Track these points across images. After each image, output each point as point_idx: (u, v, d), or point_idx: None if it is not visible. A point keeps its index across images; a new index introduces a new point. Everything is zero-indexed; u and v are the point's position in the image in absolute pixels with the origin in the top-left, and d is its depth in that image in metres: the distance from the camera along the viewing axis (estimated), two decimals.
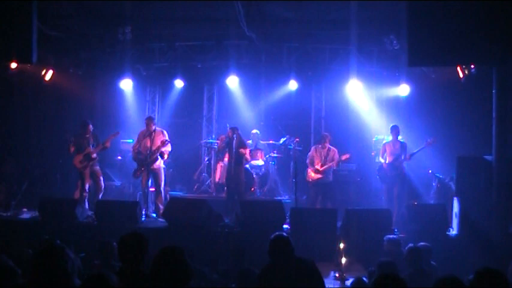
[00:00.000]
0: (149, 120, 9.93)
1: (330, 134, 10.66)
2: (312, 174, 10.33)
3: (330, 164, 10.24)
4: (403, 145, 10.00)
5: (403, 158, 9.84)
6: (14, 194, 10.32)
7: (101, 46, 10.78)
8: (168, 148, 9.85)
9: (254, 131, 12.02)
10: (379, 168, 10.25)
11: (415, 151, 9.82)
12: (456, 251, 7.61)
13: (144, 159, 9.71)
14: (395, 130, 10.05)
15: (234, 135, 10.20)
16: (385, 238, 6.89)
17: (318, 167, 10.24)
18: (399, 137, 10.10)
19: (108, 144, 9.85)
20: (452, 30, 7.36)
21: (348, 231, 8.09)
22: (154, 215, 9.73)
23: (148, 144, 9.71)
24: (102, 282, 3.30)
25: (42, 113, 11.22)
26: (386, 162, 9.96)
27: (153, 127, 9.86)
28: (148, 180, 9.86)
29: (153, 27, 10.45)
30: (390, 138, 10.16)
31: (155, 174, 9.87)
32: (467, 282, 3.65)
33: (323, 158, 10.27)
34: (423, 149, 9.73)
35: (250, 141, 11.62)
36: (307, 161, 10.47)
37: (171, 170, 11.42)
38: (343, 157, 10.20)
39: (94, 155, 9.81)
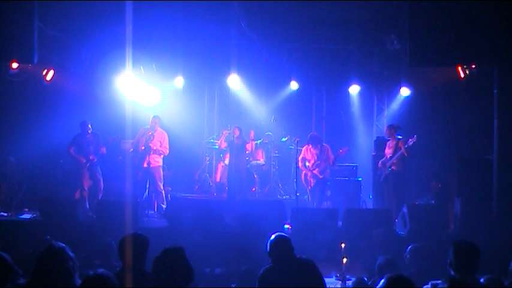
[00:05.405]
0: (154, 120, 9.93)
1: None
2: (309, 177, 9.95)
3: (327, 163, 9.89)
4: (397, 144, 10.01)
5: (396, 156, 9.84)
6: (14, 194, 10.31)
7: (101, 46, 10.76)
8: (159, 148, 9.81)
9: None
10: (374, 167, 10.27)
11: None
12: None
13: (140, 157, 9.73)
14: (390, 130, 10.07)
15: (236, 135, 10.21)
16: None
17: (312, 168, 9.86)
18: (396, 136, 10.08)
19: (104, 150, 9.82)
20: (452, 30, 7.38)
21: (348, 231, 8.10)
22: (151, 215, 9.74)
23: (143, 143, 9.72)
24: (101, 282, 3.30)
25: (42, 113, 11.20)
26: (381, 161, 9.99)
27: (156, 127, 9.87)
28: (144, 179, 9.85)
29: (154, 26, 10.44)
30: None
31: (152, 173, 9.85)
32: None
33: (317, 157, 9.87)
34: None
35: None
36: (299, 164, 10.03)
37: (171, 170, 11.41)
38: (342, 151, 9.90)
39: (93, 156, 9.82)
